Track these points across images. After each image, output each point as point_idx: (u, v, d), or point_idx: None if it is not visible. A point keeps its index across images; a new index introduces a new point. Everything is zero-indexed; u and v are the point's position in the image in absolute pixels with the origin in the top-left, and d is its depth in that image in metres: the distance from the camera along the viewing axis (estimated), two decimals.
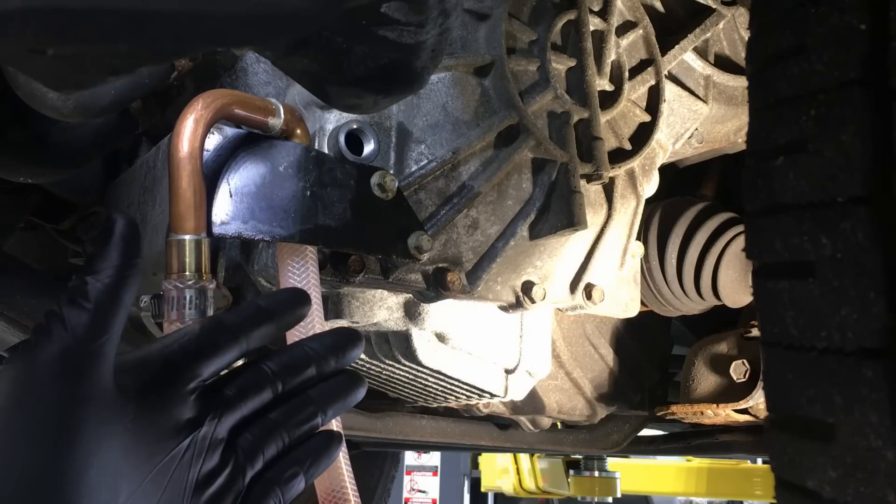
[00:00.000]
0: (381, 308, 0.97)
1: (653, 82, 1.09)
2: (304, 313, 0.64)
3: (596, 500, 3.75)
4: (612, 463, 3.79)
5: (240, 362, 0.61)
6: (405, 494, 5.77)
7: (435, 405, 1.33)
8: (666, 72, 1.11)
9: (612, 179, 1.05)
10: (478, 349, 1.06)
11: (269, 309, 0.61)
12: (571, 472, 3.78)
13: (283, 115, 0.73)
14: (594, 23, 1.02)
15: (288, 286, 0.73)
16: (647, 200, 1.12)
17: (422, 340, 1.01)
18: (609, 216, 1.05)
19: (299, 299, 0.64)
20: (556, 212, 0.96)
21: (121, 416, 0.51)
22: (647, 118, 1.09)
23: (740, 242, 1.33)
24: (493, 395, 1.12)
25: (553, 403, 1.44)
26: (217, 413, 0.56)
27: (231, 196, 0.69)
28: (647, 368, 1.56)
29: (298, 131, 0.75)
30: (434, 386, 1.16)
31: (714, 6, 1.16)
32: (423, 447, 4.13)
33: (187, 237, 0.66)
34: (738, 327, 1.44)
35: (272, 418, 0.60)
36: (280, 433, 0.60)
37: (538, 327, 1.12)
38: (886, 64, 0.63)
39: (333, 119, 0.83)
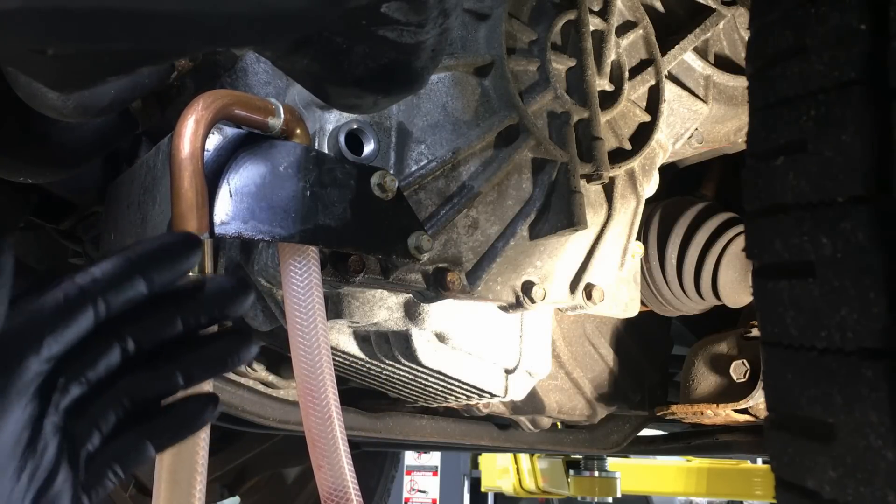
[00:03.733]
0: (381, 308, 0.97)
1: (653, 82, 1.09)
2: (192, 262, 0.55)
3: (596, 500, 3.75)
4: (612, 463, 3.79)
5: None
6: (405, 494, 5.76)
7: (435, 405, 1.32)
8: (666, 72, 1.11)
9: (612, 179, 1.05)
10: (478, 349, 1.06)
11: (137, 263, 0.52)
12: (571, 472, 3.77)
13: (283, 115, 0.73)
14: (594, 23, 1.02)
15: (291, 287, 0.73)
16: (647, 200, 1.11)
17: (422, 340, 1.01)
18: (609, 216, 1.05)
19: (183, 244, 0.55)
20: (556, 212, 0.96)
21: None
22: (647, 118, 1.09)
23: (740, 242, 1.33)
24: (493, 395, 1.12)
25: (553, 403, 1.44)
26: (54, 406, 0.49)
27: (231, 196, 0.69)
28: (647, 368, 1.56)
29: (298, 131, 0.75)
30: (434, 386, 1.16)
31: (714, 6, 1.16)
32: (423, 447, 4.13)
33: None
34: (738, 327, 1.44)
35: (118, 386, 0.53)
36: (121, 402, 0.53)
37: (538, 327, 1.12)
38: (886, 64, 0.63)
39: (333, 119, 0.83)
